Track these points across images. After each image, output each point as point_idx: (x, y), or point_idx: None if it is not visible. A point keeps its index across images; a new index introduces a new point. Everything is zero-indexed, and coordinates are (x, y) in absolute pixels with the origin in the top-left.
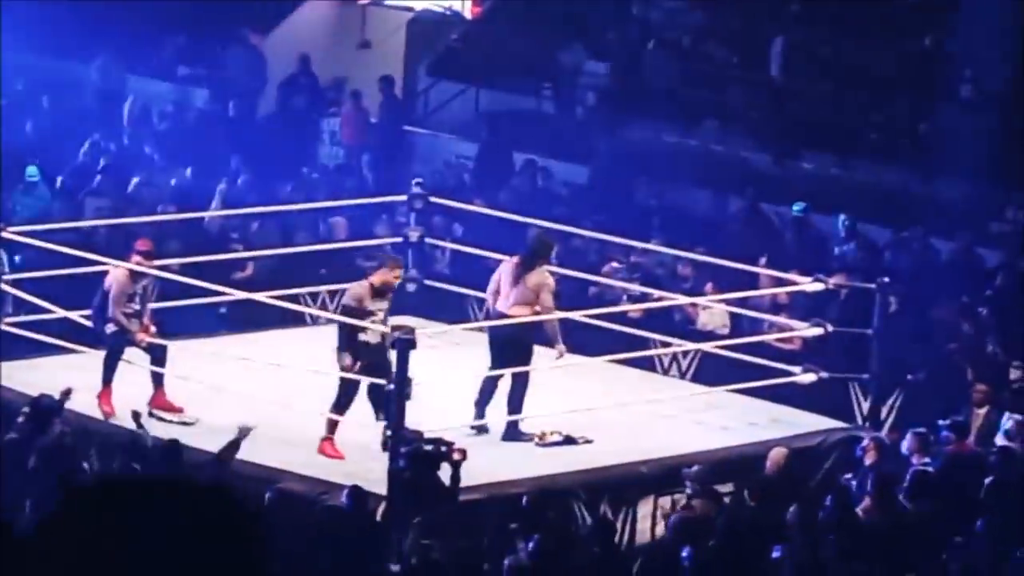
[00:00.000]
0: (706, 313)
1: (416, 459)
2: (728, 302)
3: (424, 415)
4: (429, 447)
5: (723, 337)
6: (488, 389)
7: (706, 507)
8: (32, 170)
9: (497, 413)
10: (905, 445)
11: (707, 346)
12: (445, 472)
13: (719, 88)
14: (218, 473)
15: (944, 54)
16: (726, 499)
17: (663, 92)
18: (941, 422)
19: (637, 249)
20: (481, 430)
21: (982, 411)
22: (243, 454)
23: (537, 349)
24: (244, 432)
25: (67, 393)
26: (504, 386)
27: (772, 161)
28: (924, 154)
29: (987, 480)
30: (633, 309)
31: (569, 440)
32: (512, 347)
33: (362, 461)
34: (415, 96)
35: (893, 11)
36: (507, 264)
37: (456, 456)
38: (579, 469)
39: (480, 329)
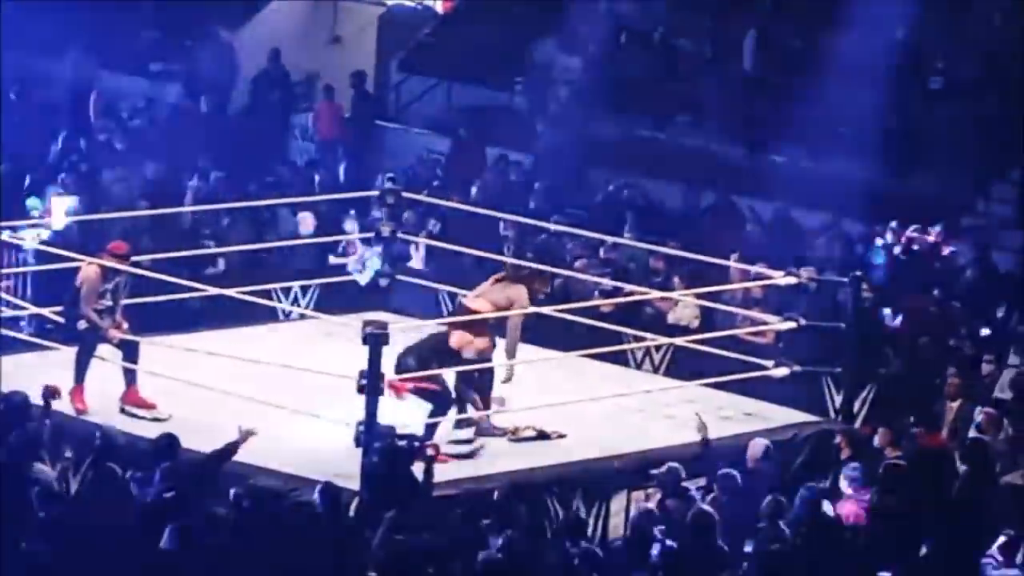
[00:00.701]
0: (678, 307)
1: (389, 455)
2: (700, 296)
3: (397, 411)
4: (402, 443)
5: (695, 331)
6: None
7: (674, 504)
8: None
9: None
10: (878, 439)
11: (679, 340)
12: (418, 468)
13: (691, 82)
14: (213, 472)
15: (915, 46)
16: (697, 494)
17: (635, 86)
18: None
19: (608, 244)
20: (463, 424)
21: (955, 404)
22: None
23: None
24: (245, 435)
25: (54, 392)
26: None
27: (744, 155)
28: (895, 147)
29: (961, 472)
30: (605, 304)
31: (542, 435)
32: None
33: (335, 456)
34: (387, 91)
35: (864, 3)
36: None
37: (429, 452)
38: (552, 464)
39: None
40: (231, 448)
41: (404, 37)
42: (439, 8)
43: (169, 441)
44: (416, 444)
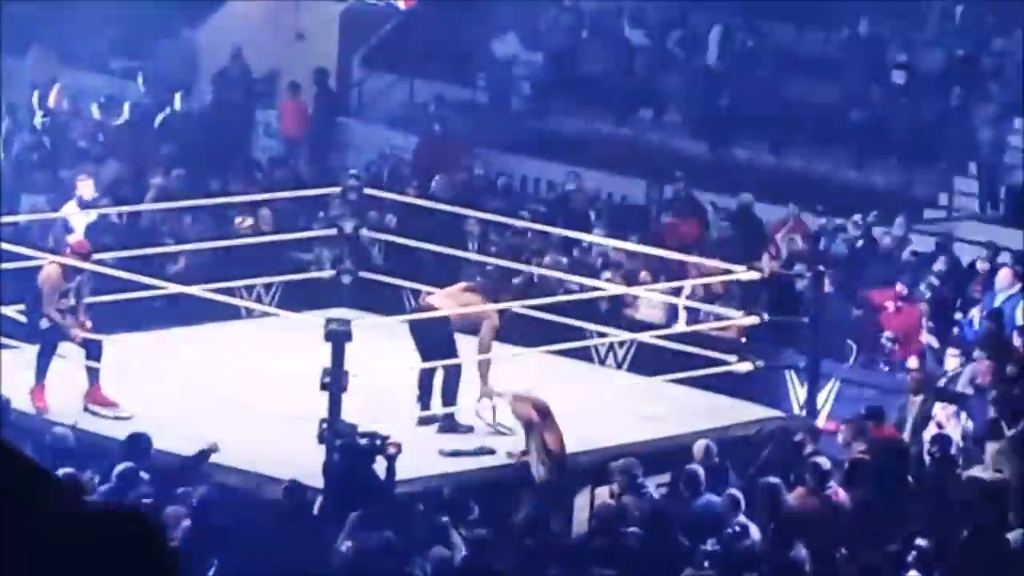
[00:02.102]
0: (641, 303)
1: (351, 452)
2: (663, 291)
3: (360, 407)
4: (364, 440)
5: (658, 327)
6: (426, 382)
7: (631, 500)
8: None
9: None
10: (841, 434)
11: (643, 336)
12: (381, 465)
13: (653, 77)
14: (185, 474)
15: (878, 40)
16: (662, 490)
17: (597, 81)
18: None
19: (574, 240)
20: (429, 421)
21: (917, 399)
22: (179, 448)
23: (468, 341)
24: (211, 449)
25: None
26: (439, 377)
27: (707, 149)
28: (857, 141)
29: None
30: (569, 299)
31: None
32: (433, 338)
33: (298, 454)
34: (349, 88)
35: None
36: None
37: (391, 450)
38: (515, 462)
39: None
40: (196, 460)
41: (366, 33)
42: (401, 4)
43: (139, 440)
44: (378, 442)
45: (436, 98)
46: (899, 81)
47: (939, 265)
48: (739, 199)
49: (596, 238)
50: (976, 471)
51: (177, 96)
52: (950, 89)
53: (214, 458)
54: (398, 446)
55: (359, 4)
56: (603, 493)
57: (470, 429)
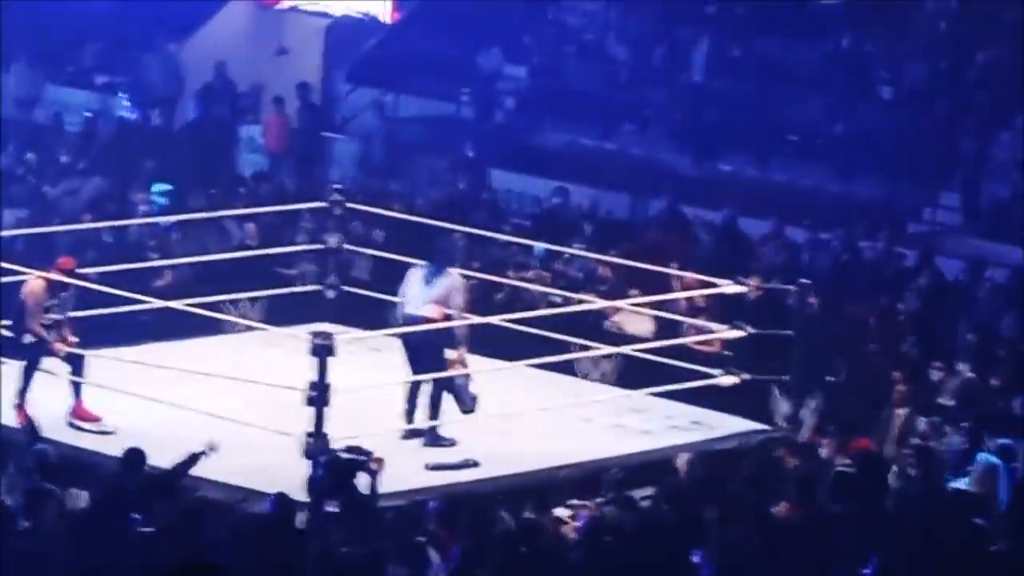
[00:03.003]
0: (625, 317)
1: (334, 467)
2: (647, 305)
3: (345, 422)
4: (347, 455)
5: (642, 340)
6: (412, 395)
7: (617, 512)
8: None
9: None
10: (825, 448)
11: (627, 349)
12: (364, 480)
13: (638, 91)
14: (172, 484)
15: (862, 54)
16: (644, 503)
17: (582, 95)
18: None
19: (558, 253)
20: (414, 434)
21: (902, 412)
22: (162, 462)
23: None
24: (209, 448)
25: None
26: (425, 391)
27: (691, 163)
28: (841, 155)
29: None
30: (552, 313)
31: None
32: (426, 352)
33: (283, 468)
34: (334, 102)
35: (812, 12)
36: (415, 270)
37: (373, 465)
38: (500, 475)
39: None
40: (192, 460)
41: (351, 48)
42: (385, 19)
43: (135, 456)
44: (361, 457)
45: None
46: (885, 96)
47: (923, 278)
48: (724, 213)
49: (580, 252)
50: (961, 484)
51: (159, 111)
52: (934, 102)
53: (199, 472)
54: (381, 461)
55: (343, 19)
56: (587, 506)
57: (452, 443)
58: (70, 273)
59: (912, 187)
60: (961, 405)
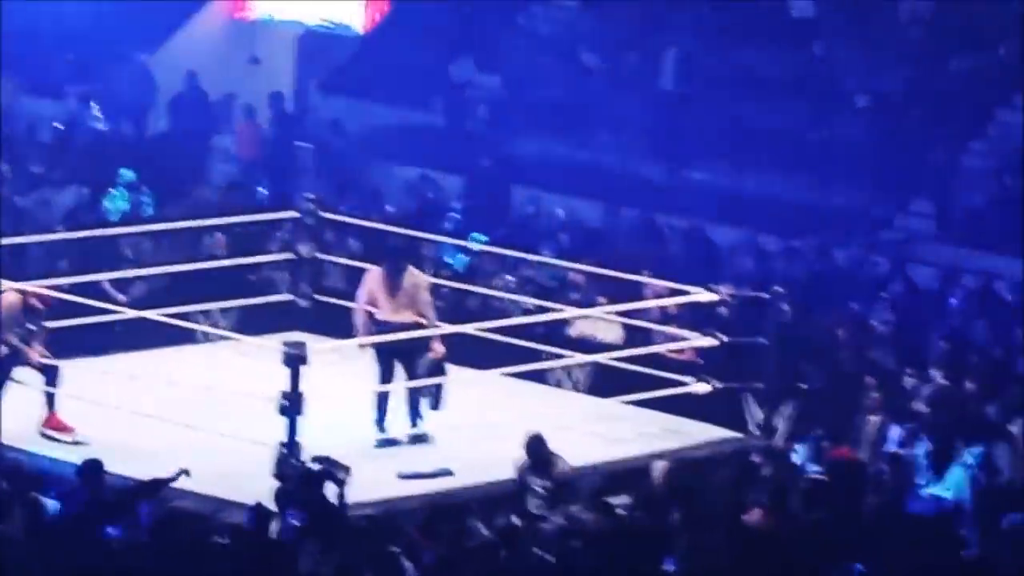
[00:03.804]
0: (597, 325)
1: (302, 477)
2: (620, 314)
3: (316, 431)
4: (315, 465)
5: (615, 348)
6: (382, 403)
7: (594, 519)
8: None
9: (397, 426)
10: (798, 454)
11: (600, 358)
12: (333, 490)
13: (611, 99)
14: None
15: (835, 62)
16: (619, 511)
17: (555, 104)
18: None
19: (528, 261)
20: (388, 443)
21: (875, 419)
22: (134, 472)
23: None
24: (177, 474)
25: None
26: (397, 396)
27: (664, 172)
28: (814, 163)
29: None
30: (525, 322)
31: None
32: (415, 356)
33: (256, 478)
34: (306, 112)
35: (785, 19)
36: (374, 274)
37: (341, 475)
38: (473, 484)
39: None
40: (157, 484)
41: (323, 58)
42: (358, 28)
43: (93, 465)
44: (329, 467)
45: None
46: (859, 104)
47: (895, 286)
48: (694, 221)
49: (553, 260)
50: (935, 491)
51: (132, 122)
52: (908, 111)
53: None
54: (348, 470)
55: (316, 28)
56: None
57: (431, 441)
58: (44, 299)
59: (885, 195)
60: (935, 412)
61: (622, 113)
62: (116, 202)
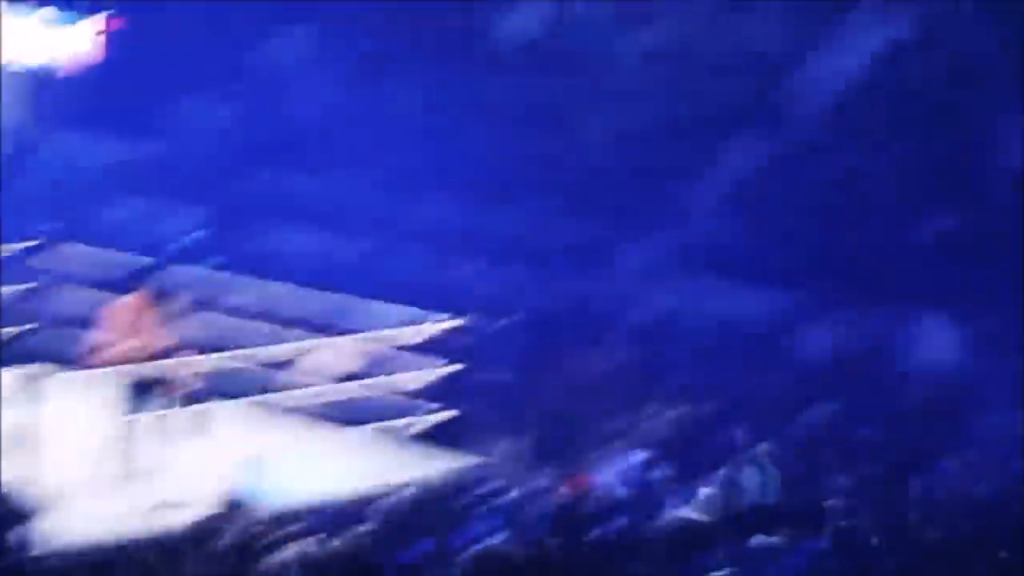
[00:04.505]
0: (335, 353)
1: None
2: (359, 342)
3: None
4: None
5: (354, 377)
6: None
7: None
8: None
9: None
10: (546, 479)
11: (339, 387)
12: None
13: (347, 131)
14: None
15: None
16: (356, 539)
17: (293, 134)
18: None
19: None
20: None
21: (617, 444)
22: None
23: None
24: None
25: None
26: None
27: (401, 203)
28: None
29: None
30: (261, 350)
31: None
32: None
33: None
34: (22, 152)
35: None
36: (117, 308)
37: (29, 515)
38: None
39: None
40: None
41: (33, 95)
42: (81, 61)
43: None
44: (16, 507)
45: None
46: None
47: (639, 318)
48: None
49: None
50: (684, 511)
51: None
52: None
53: None
54: (39, 510)
55: (23, 66)
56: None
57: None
58: None
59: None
60: (674, 439)
61: (363, 145)
62: None
